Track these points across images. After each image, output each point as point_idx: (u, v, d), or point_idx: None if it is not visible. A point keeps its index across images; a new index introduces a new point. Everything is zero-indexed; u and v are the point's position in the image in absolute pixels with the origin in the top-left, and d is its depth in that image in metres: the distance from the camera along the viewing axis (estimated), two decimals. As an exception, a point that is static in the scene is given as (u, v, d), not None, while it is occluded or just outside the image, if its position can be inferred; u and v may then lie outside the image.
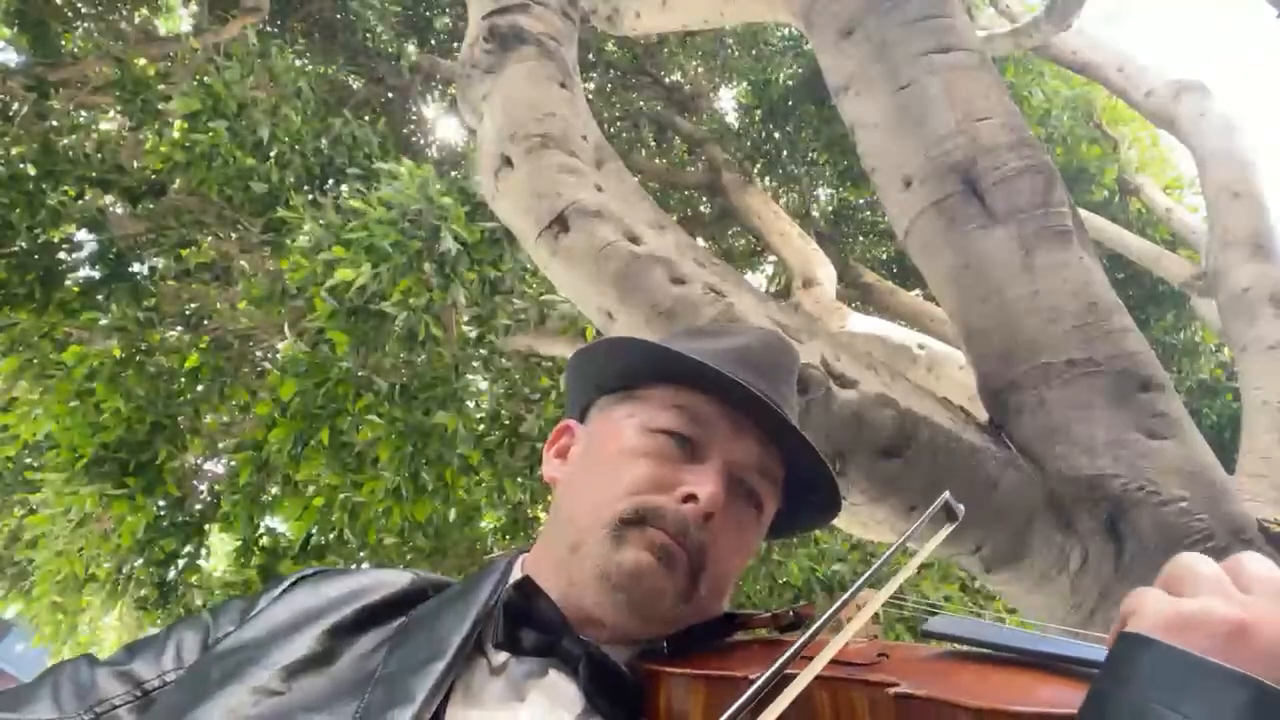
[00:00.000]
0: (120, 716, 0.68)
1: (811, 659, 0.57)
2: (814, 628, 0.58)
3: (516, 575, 0.78)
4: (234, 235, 5.74)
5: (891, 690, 0.55)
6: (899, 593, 0.66)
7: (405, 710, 0.62)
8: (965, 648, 0.62)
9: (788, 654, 0.55)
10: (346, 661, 0.70)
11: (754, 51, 7.61)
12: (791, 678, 0.55)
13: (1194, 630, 0.47)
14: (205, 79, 5.01)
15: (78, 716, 0.67)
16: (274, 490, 5.21)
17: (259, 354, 5.84)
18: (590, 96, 7.68)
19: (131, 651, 0.74)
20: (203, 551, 5.58)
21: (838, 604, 0.60)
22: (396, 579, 0.81)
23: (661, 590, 0.72)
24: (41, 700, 0.68)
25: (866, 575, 0.63)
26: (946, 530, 0.70)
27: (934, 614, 0.69)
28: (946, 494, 0.71)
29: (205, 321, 5.81)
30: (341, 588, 0.78)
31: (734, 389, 0.77)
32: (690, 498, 0.74)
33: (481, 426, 5.02)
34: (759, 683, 0.54)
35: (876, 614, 0.63)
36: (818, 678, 0.57)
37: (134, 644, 0.76)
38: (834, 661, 0.59)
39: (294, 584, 0.79)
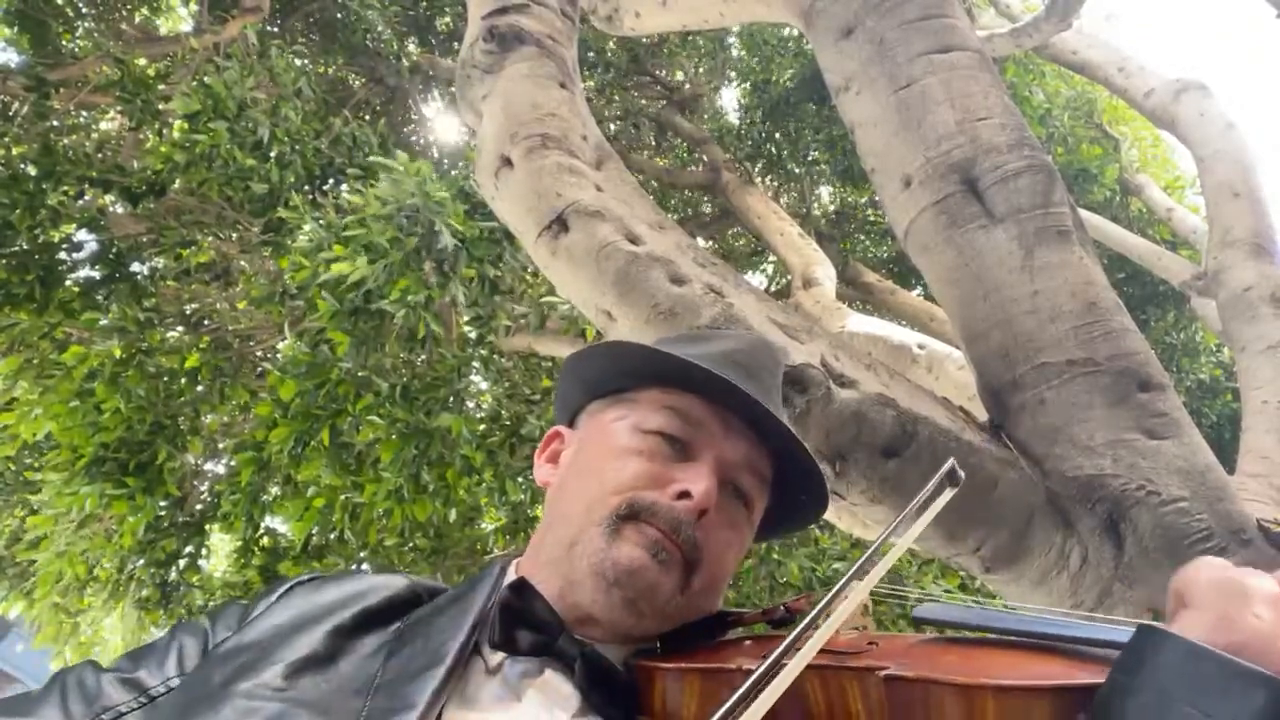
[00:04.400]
0: None
1: (800, 650, 0.58)
2: (807, 620, 0.59)
3: (511, 578, 0.79)
4: (234, 235, 5.75)
5: (881, 673, 0.56)
6: (901, 585, 0.67)
7: (407, 716, 0.62)
8: (953, 632, 0.63)
9: (781, 646, 0.56)
10: (347, 664, 0.70)
11: (754, 51, 7.61)
12: (783, 669, 0.56)
13: (1254, 653, 0.46)
14: (205, 79, 5.01)
15: None
16: (274, 491, 5.21)
17: (259, 354, 5.85)
18: (590, 96, 7.68)
19: (135, 659, 0.75)
20: (203, 552, 5.59)
21: (829, 596, 0.62)
22: (391, 583, 0.81)
23: (657, 585, 0.73)
24: (50, 706, 0.69)
25: (866, 555, 0.65)
26: (948, 495, 0.71)
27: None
28: (952, 461, 0.71)
29: (205, 321, 5.82)
30: (339, 592, 0.78)
31: (722, 389, 0.78)
32: (684, 494, 0.75)
33: (483, 427, 5.02)
34: (756, 675, 0.55)
35: (867, 607, 0.64)
36: (809, 667, 0.58)
37: (136, 651, 0.77)
38: (825, 651, 0.60)
39: (291, 589, 0.80)
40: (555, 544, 0.78)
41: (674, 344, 0.88)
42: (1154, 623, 0.49)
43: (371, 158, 4.78)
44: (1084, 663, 0.53)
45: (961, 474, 0.71)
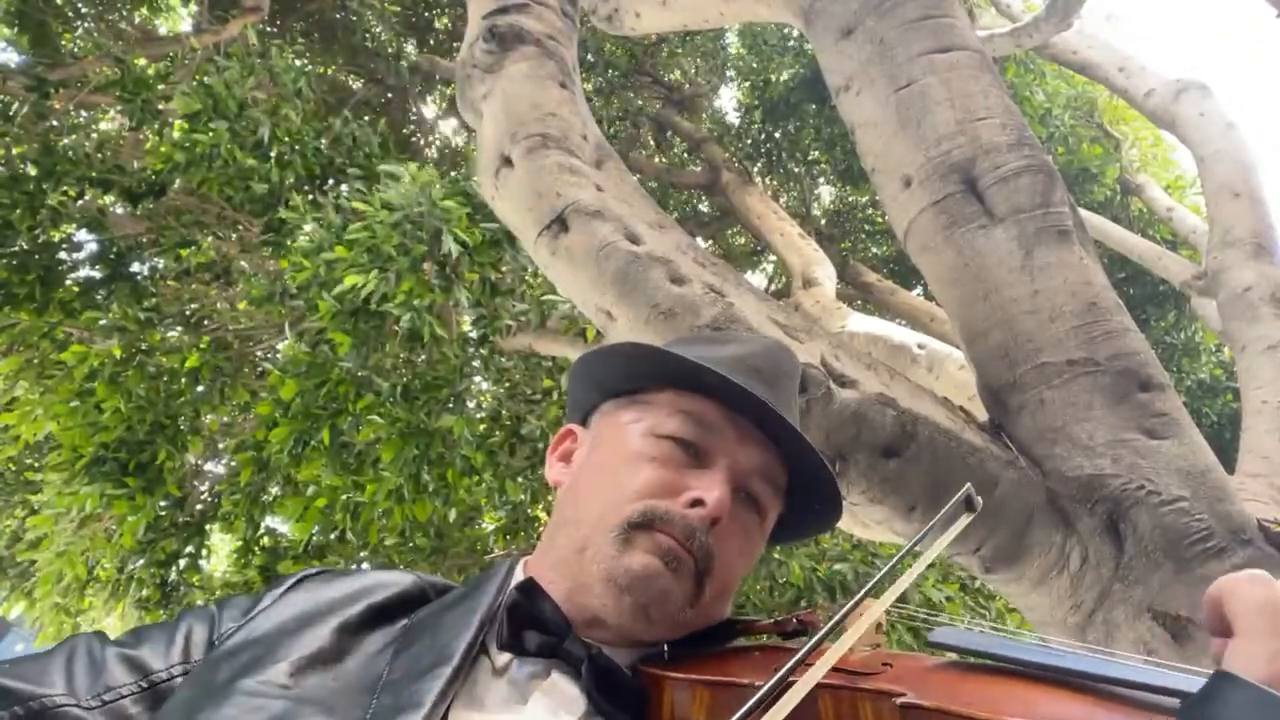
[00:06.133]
0: (126, 707, 0.68)
1: (812, 666, 0.57)
2: (819, 635, 0.58)
3: (519, 578, 0.78)
4: (234, 235, 5.74)
5: (898, 700, 0.55)
6: (900, 596, 0.66)
7: (414, 715, 0.62)
8: (969, 659, 0.62)
9: (792, 661, 0.55)
10: (354, 662, 0.70)
11: (754, 51, 7.61)
12: (793, 685, 0.55)
13: None
14: (205, 79, 5.01)
15: (87, 702, 0.66)
16: (274, 491, 5.21)
17: (259, 354, 5.84)
18: (590, 96, 7.68)
19: (140, 637, 0.74)
20: (203, 552, 5.59)
21: (843, 612, 0.61)
22: (398, 579, 0.81)
23: (668, 593, 0.73)
24: (55, 675, 0.68)
25: (883, 572, 0.64)
26: (965, 520, 0.71)
27: (935, 617, 0.69)
28: (969, 486, 0.71)
29: (205, 321, 5.82)
30: (346, 587, 0.78)
31: (739, 395, 0.78)
32: (697, 503, 0.75)
33: (483, 428, 5.02)
34: (764, 690, 0.54)
35: (880, 623, 0.63)
36: (822, 686, 0.58)
37: (143, 629, 0.75)
38: (839, 671, 0.59)
39: (298, 583, 0.79)
40: (566, 546, 0.78)
41: (689, 346, 0.88)
42: (1231, 671, 0.47)
43: (381, 166, 4.77)
44: (1107, 703, 0.52)
45: (979, 500, 0.71)
